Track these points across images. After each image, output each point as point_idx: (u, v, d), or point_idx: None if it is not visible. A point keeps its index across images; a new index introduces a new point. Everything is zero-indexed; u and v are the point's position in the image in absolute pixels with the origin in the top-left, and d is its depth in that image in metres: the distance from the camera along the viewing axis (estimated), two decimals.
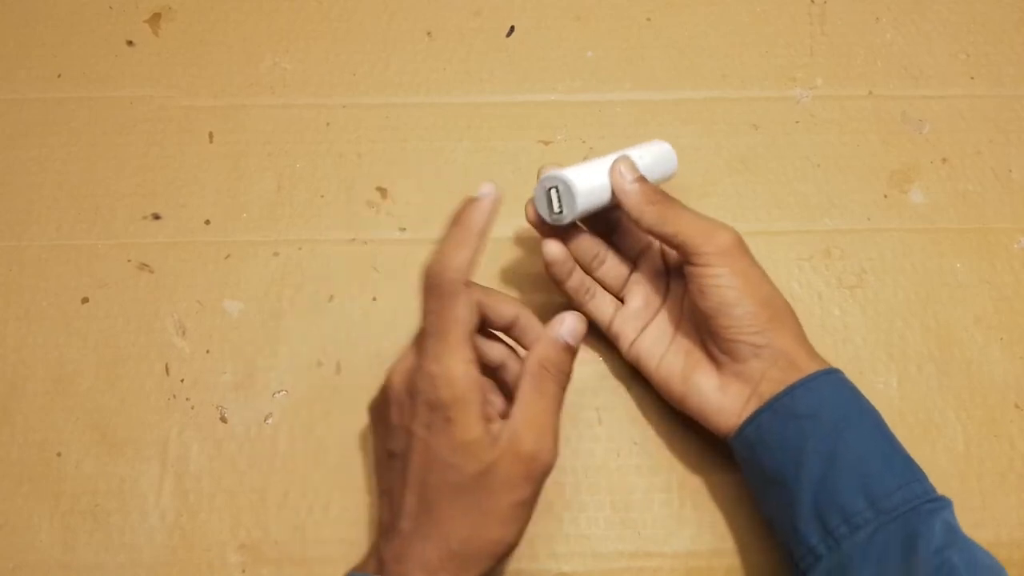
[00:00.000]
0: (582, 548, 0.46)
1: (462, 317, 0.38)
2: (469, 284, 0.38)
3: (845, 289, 0.52)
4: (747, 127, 0.56)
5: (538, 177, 0.45)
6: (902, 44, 0.58)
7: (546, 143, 0.55)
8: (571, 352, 0.40)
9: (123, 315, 0.51)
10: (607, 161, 0.45)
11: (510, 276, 0.52)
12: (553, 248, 0.45)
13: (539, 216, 0.45)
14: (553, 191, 0.44)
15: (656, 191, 0.44)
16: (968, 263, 0.52)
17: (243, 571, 0.46)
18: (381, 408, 0.41)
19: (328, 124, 0.56)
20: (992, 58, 0.58)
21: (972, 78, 0.57)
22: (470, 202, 0.39)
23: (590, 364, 0.50)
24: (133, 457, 0.48)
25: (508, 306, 0.42)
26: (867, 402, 0.42)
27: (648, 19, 0.59)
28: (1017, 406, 0.49)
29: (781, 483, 0.41)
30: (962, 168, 0.55)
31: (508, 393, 0.43)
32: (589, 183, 0.44)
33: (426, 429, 0.38)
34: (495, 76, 0.57)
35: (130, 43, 0.58)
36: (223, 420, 0.49)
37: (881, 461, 0.40)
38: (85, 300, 0.51)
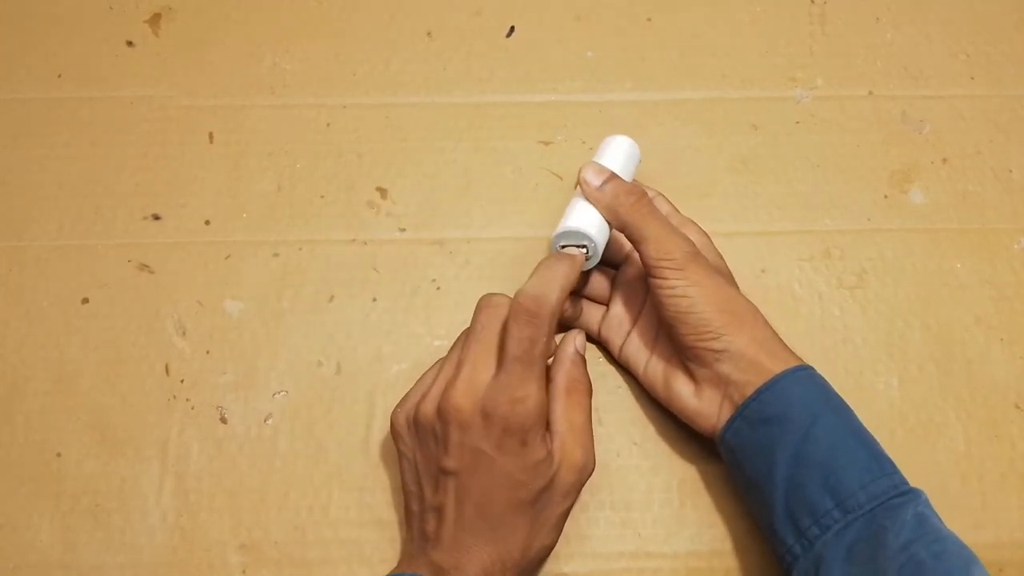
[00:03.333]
0: (582, 548, 0.46)
1: (550, 350, 0.40)
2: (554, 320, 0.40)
3: (845, 289, 0.52)
4: (747, 127, 0.56)
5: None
6: (902, 44, 0.58)
7: (546, 143, 0.55)
8: (584, 362, 0.43)
9: (123, 315, 0.51)
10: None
11: (510, 277, 0.52)
12: (568, 308, 0.48)
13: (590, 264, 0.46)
14: (570, 248, 0.45)
15: (627, 191, 0.44)
16: (968, 263, 0.52)
17: (243, 571, 0.46)
18: (431, 425, 0.41)
19: (328, 124, 0.56)
20: (992, 58, 0.58)
21: (972, 78, 0.57)
22: (564, 256, 0.42)
23: (590, 364, 0.50)
24: (133, 457, 0.48)
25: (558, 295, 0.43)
26: (836, 397, 0.42)
27: (648, 19, 0.59)
28: (1017, 406, 0.49)
29: (758, 486, 0.42)
30: (962, 168, 0.55)
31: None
32: (596, 220, 0.45)
33: (497, 450, 0.39)
34: (495, 76, 0.57)
35: (130, 43, 0.58)
36: (223, 420, 0.49)
37: (847, 458, 0.40)
38: (85, 300, 0.51)
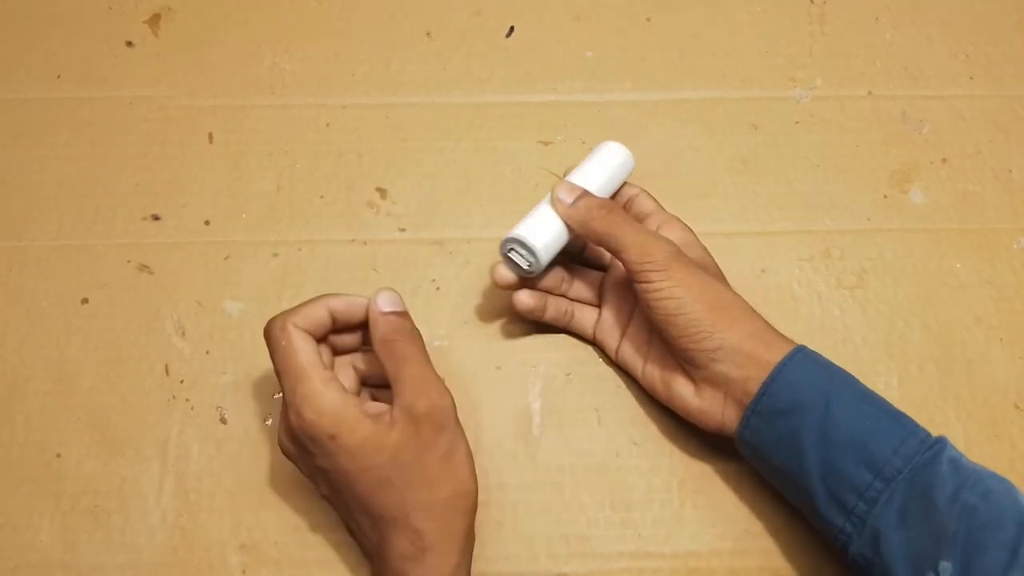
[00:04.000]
0: (582, 548, 0.46)
1: (297, 347, 0.40)
2: (297, 328, 0.41)
3: (845, 289, 0.52)
4: (747, 127, 0.56)
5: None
6: (902, 44, 0.58)
7: (546, 143, 0.55)
8: (402, 315, 0.42)
9: (123, 315, 0.51)
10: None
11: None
12: (525, 299, 0.47)
13: (513, 277, 0.47)
14: (514, 253, 0.46)
15: (599, 206, 0.45)
16: (968, 263, 0.52)
17: (243, 571, 0.46)
18: (303, 473, 0.43)
19: (328, 124, 0.56)
20: (992, 58, 0.58)
21: (972, 78, 0.57)
22: (339, 293, 0.43)
23: (590, 364, 0.50)
24: (133, 457, 0.48)
25: (316, 308, 0.42)
26: (837, 369, 0.43)
27: (648, 19, 0.59)
28: (1017, 406, 0.49)
29: (792, 476, 0.42)
30: (962, 168, 0.55)
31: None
32: (545, 234, 0.45)
33: (325, 458, 0.39)
34: (495, 76, 0.57)
35: (130, 43, 0.58)
36: (223, 420, 0.49)
37: (872, 428, 0.40)
38: (85, 300, 0.51)
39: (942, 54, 0.58)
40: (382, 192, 0.54)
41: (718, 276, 0.47)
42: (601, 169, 0.48)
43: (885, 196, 0.54)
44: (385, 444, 0.39)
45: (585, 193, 0.46)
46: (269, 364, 0.50)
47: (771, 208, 0.54)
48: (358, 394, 0.44)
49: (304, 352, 0.40)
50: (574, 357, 0.50)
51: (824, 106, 0.56)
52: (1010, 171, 0.55)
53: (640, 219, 0.48)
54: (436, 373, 0.41)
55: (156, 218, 0.53)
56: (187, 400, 0.49)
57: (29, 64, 0.57)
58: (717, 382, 0.43)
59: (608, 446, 0.48)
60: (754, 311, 0.44)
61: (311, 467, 0.41)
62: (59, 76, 0.57)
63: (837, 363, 0.50)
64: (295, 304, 0.51)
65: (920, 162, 0.55)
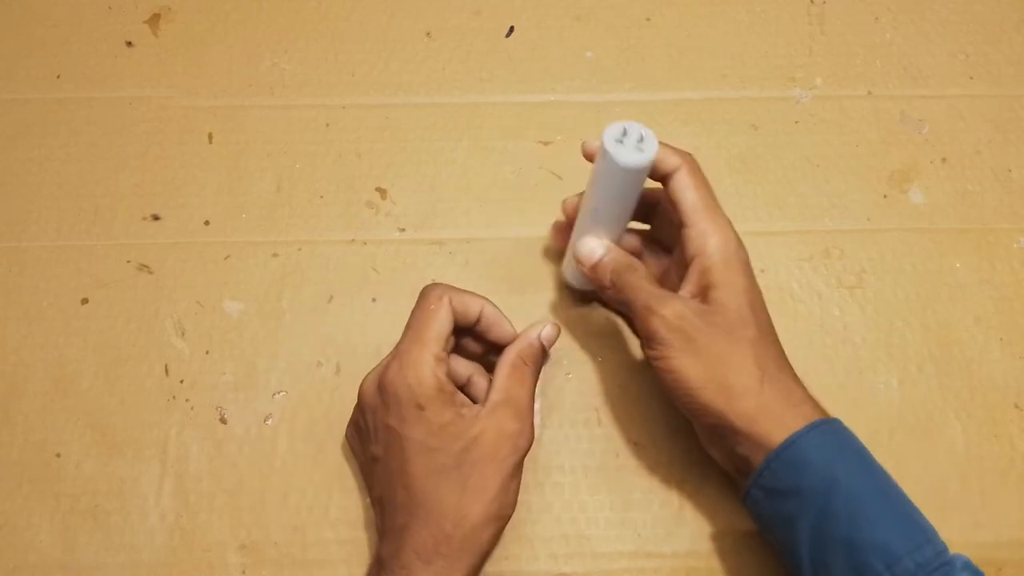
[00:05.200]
0: (582, 548, 0.46)
1: (441, 319, 0.42)
2: (451, 305, 0.42)
3: (845, 289, 0.52)
4: (747, 127, 0.56)
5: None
6: (901, 44, 0.58)
7: (546, 143, 0.55)
8: (544, 353, 0.44)
9: (123, 316, 0.51)
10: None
11: (510, 277, 0.52)
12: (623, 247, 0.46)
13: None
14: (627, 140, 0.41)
15: (613, 270, 0.44)
16: (968, 263, 0.52)
17: (243, 571, 0.46)
18: (356, 423, 0.44)
19: (328, 124, 0.56)
20: (991, 58, 0.58)
21: (971, 78, 0.57)
22: (498, 309, 0.44)
23: (590, 364, 0.50)
24: (133, 457, 0.48)
25: (474, 301, 0.44)
26: (851, 453, 0.39)
27: (648, 19, 0.59)
28: (1017, 406, 0.49)
29: (787, 554, 0.40)
30: (962, 168, 0.55)
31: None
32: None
33: (400, 421, 0.40)
34: (495, 76, 0.57)
35: (129, 43, 0.58)
36: (223, 421, 0.49)
37: (868, 532, 0.37)
38: (85, 300, 0.51)
39: (941, 54, 0.58)
40: (382, 192, 0.54)
41: (746, 316, 0.41)
42: (613, 200, 0.44)
43: (885, 196, 0.54)
44: (465, 434, 0.40)
45: (602, 256, 0.44)
46: (269, 364, 0.50)
47: (771, 208, 0.54)
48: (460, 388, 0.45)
49: (441, 325, 0.42)
50: (574, 357, 0.50)
51: (824, 106, 0.56)
52: (1010, 171, 0.55)
53: (678, 220, 0.43)
54: (533, 412, 0.43)
55: (156, 218, 0.53)
56: (187, 400, 0.49)
57: (29, 64, 0.57)
58: (722, 448, 0.42)
59: (608, 446, 0.48)
60: (777, 371, 0.41)
61: (378, 425, 0.42)
62: (59, 76, 0.57)
63: (837, 363, 0.50)
64: (294, 304, 0.51)
65: (920, 162, 0.55)
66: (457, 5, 0.59)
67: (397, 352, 0.42)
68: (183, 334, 0.51)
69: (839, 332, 0.51)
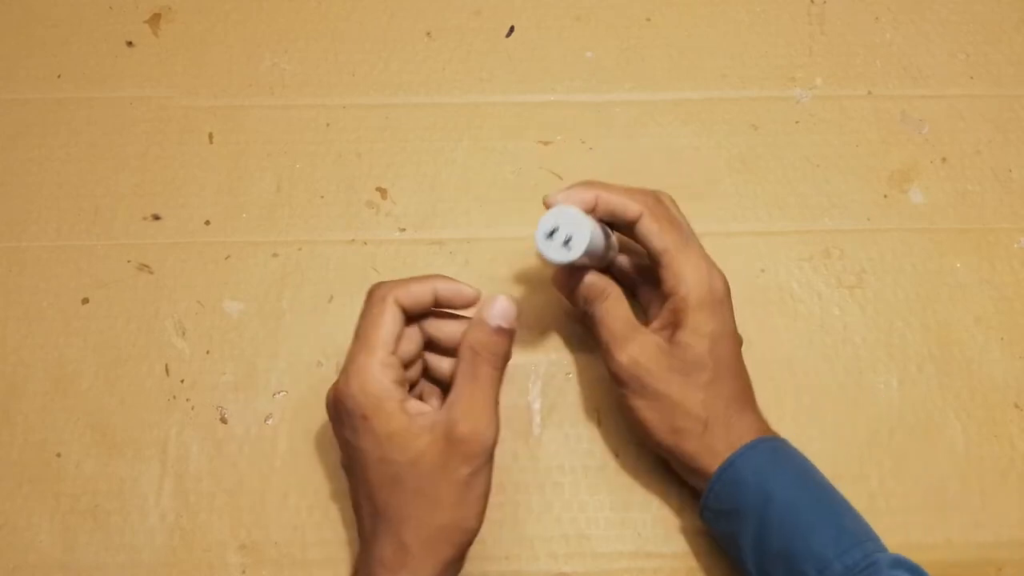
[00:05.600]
0: (582, 548, 0.46)
1: (384, 323, 0.39)
2: (403, 310, 0.40)
3: (845, 289, 0.52)
4: (747, 127, 0.56)
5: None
6: (901, 44, 0.58)
7: (546, 143, 0.55)
8: (505, 334, 0.39)
9: (123, 315, 0.51)
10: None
11: (510, 277, 0.52)
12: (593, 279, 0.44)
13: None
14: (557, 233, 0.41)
15: (582, 297, 0.44)
16: (968, 263, 0.52)
17: (243, 571, 0.46)
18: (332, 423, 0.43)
19: (328, 124, 0.56)
20: (992, 58, 0.58)
21: (971, 78, 0.57)
22: (454, 279, 0.41)
23: (590, 364, 0.50)
24: (133, 457, 0.48)
25: (422, 286, 0.41)
26: (789, 468, 0.42)
27: (648, 19, 0.59)
28: (1017, 406, 0.49)
29: (736, 566, 0.43)
30: (962, 168, 0.55)
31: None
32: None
33: (352, 433, 0.39)
34: (495, 76, 0.57)
35: (130, 43, 0.58)
36: (223, 420, 0.49)
37: (802, 543, 0.39)
38: (85, 300, 0.51)
39: (942, 54, 0.58)
40: (382, 192, 0.54)
41: (703, 360, 0.43)
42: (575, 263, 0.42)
43: (885, 196, 0.54)
44: (410, 446, 0.38)
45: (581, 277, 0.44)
46: (269, 364, 0.50)
47: (771, 208, 0.54)
48: (416, 381, 0.43)
49: (385, 329, 0.39)
50: (574, 357, 0.50)
51: (824, 106, 0.56)
52: (1010, 171, 0.55)
53: (653, 260, 0.44)
54: (497, 405, 0.39)
55: (156, 218, 0.53)
56: (187, 400, 0.49)
57: (29, 64, 0.57)
58: (682, 474, 0.45)
59: (608, 446, 0.48)
60: (724, 410, 0.43)
61: (340, 434, 0.41)
62: (59, 76, 0.57)
63: (837, 363, 0.50)
64: (295, 304, 0.51)
65: (920, 162, 0.55)
66: (457, 5, 0.59)
67: (346, 362, 0.40)
68: (183, 334, 0.51)
69: (839, 332, 0.51)
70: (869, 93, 0.57)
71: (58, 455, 0.48)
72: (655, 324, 0.44)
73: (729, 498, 0.42)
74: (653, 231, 0.43)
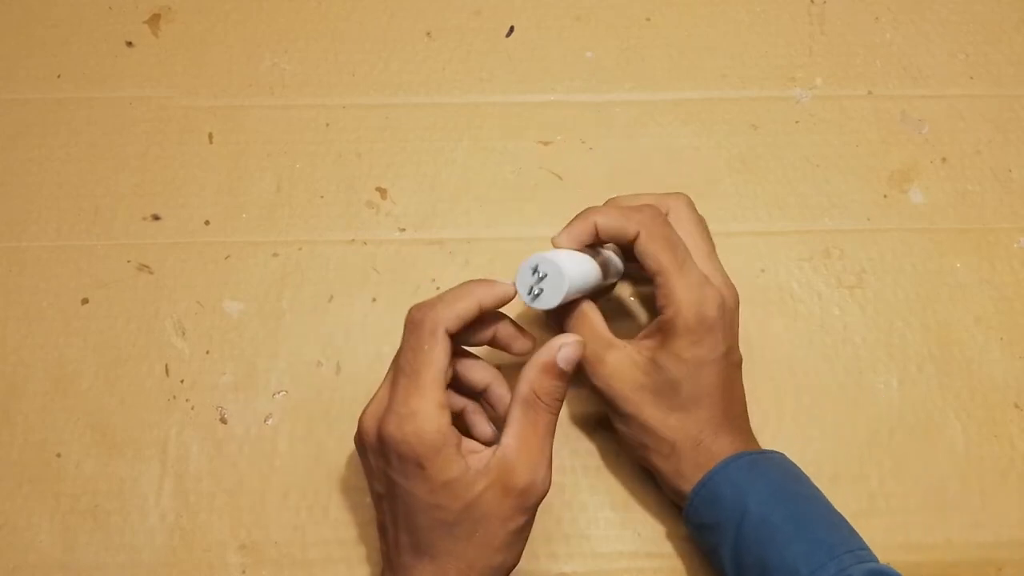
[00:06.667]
0: (582, 548, 0.46)
1: (437, 359, 0.37)
2: (449, 335, 0.38)
3: (845, 289, 0.52)
4: (747, 127, 0.56)
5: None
6: (901, 44, 0.58)
7: (546, 143, 0.55)
8: (565, 378, 0.38)
9: (123, 316, 0.51)
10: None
11: (510, 277, 0.52)
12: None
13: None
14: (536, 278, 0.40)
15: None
16: (968, 263, 0.52)
17: (243, 571, 0.46)
18: (360, 447, 0.41)
19: (328, 124, 0.56)
20: (991, 58, 0.58)
21: (971, 78, 0.57)
22: (486, 280, 0.39)
23: None
24: (133, 457, 0.48)
25: (482, 371, 0.42)
26: (766, 482, 0.42)
27: (648, 19, 0.59)
28: (1017, 406, 0.49)
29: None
30: (962, 168, 0.55)
31: (492, 416, 0.43)
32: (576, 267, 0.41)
33: (402, 477, 0.37)
34: (495, 76, 0.57)
35: (129, 44, 0.58)
36: (223, 421, 0.49)
37: (776, 561, 0.40)
38: (85, 300, 0.51)
39: (941, 54, 0.58)
40: (382, 192, 0.54)
41: (675, 385, 0.42)
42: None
43: (885, 196, 0.54)
44: (467, 494, 0.37)
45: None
46: (269, 364, 0.50)
47: (771, 208, 0.54)
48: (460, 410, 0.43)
49: (437, 366, 0.37)
50: None
51: (824, 106, 0.56)
52: (1010, 171, 0.55)
53: (651, 278, 0.43)
54: (551, 452, 0.38)
55: (156, 218, 0.53)
56: (187, 400, 0.49)
57: (29, 64, 0.57)
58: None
59: (608, 446, 0.48)
60: (697, 434, 0.42)
61: (380, 471, 0.39)
62: (59, 76, 0.57)
63: (837, 363, 0.50)
64: (295, 304, 0.51)
65: (920, 162, 0.55)
66: (457, 5, 0.59)
67: (394, 401, 0.37)
68: (183, 334, 0.51)
69: (839, 332, 0.51)
70: (869, 93, 0.57)
71: (58, 455, 0.48)
72: (642, 334, 0.44)
73: (708, 513, 0.42)
74: (648, 252, 0.42)
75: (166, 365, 0.50)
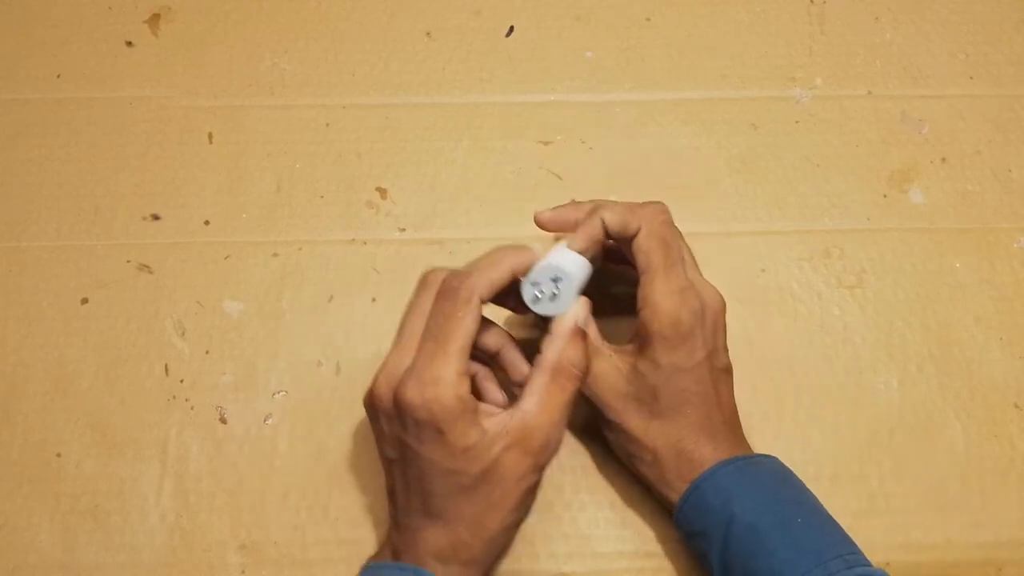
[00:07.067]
0: (582, 548, 0.46)
1: (468, 328, 0.38)
2: (480, 305, 0.38)
3: (845, 289, 0.52)
4: (747, 127, 0.56)
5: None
6: (901, 44, 0.58)
7: (546, 143, 0.55)
8: (584, 339, 0.40)
9: (123, 315, 0.51)
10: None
11: None
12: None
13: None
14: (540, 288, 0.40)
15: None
16: (968, 263, 0.52)
17: (243, 571, 0.46)
18: (372, 411, 0.41)
19: (328, 124, 0.56)
20: (991, 58, 0.58)
21: (971, 78, 0.57)
22: (516, 245, 0.40)
23: None
24: (133, 457, 0.48)
25: (496, 336, 0.42)
26: (754, 487, 0.41)
27: (648, 19, 0.59)
28: (1017, 406, 0.49)
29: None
30: (962, 168, 0.55)
31: (504, 381, 0.43)
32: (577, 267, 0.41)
33: (418, 442, 0.38)
34: (495, 76, 0.57)
35: (129, 43, 0.58)
36: (223, 420, 0.49)
37: (767, 560, 0.39)
38: (85, 300, 0.51)
39: (941, 54, 0.58)
40: (382, 192, 0.54)
41: (656, 391, 0.42)
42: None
43: (885, 196, 0.54)
44: (485, 457, 0.37)
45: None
46: (269, 364, 0.50)
47: (771, 208, 0.54)
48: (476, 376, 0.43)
49: (469, 333, 0.38)
50: None
51: (824, 106, 0.56)
52: (1010, 171, 0.55)
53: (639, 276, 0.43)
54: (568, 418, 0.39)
55: (156, 218, 0.53)
56: (187, 400, 0.49)
57: (29, 64, 0.57)
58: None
59: (608, 446, 0.48)
60: (677, 442, 0.42)
61: (393, 434, 0.39)
62: (59, 76, 0.57)
63: (837, 363, 0.50)
64: (295, 304, 0.51)
65: (920, 162, 0.55)
66: (457, 5, 0.59)
67: (417, 363, 0.37)
68: (183, 334, 0.51)
69: (839, 332, 0.51)
70: (869, 93, 0.57)
71: (58, 455, 0.48)
72: (627, 341, 0.44)
73: (697, 520, 0.42)
74: (643, 248, 0.42)
75: (166, 365, 0.50)
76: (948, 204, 0.54)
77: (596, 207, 0.43)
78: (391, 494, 0.41)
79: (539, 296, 0.40)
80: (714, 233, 0.50)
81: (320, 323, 0.51)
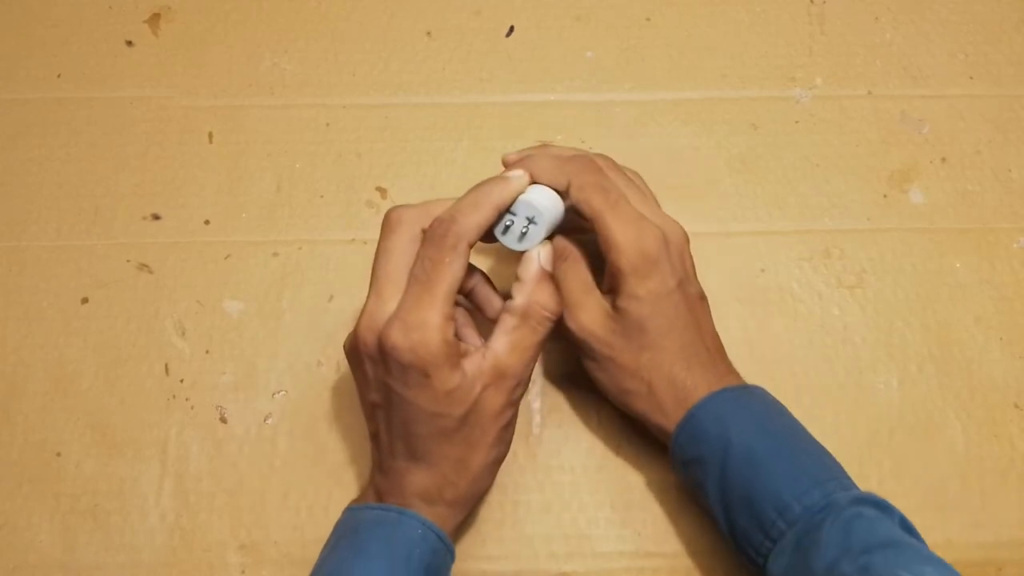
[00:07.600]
0: (582, 548, 0.46)
1: (455, 273, 0.38)
2: (468, 251, 0.39)
3: (845, 289, 0.52)
4: (747, 127, 0.56)
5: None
6: (901, 44, 0.58)
7: (546, 144, 0.55)
8: (551, 283, 0.41)
9: (123, 315, 0.51)
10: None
11: (510, 276, 0.52)
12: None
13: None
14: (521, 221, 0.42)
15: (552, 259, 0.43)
16: (968, 263, 0.52)
17: (243, 571, 0.46)
18: (354, 357, 0.41)
19: (328, 124, 0.56)
20: (991, 58, 0.58)
21: (971, 78, 0.57)
22: (497, 177, 0.41)
23: None
24: (133, 457, 0.48)
25: (469, 274, 0.42)
26: (748, 415, 0.42)
27: (648, 19, 0.59)
28: (1017, 406, 0.49)
29: (708, 516, 0.43)
30: (962, 168, 0.55)
31: (476, 318, 0.44)
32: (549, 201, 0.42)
33: (403, 386, 0.38)
34: (495, 76, 0.57)
35: (129, 43, 0.58)
36: (223, 420, 0.49)
37: (762, 488, 0.40)
38: (85, 300, 0.51)
39: (941, 54, 0.58)
40: (382, 192, 0.54)
41: (642, 323, 0.42)
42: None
43: (885, 196, 0.54)
44: (467, 399, 0.39)
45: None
46: (269, 364, 0.50)
47: (771, 208, 0.54)
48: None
49: (456, 278, 0.38)
50: (574, 357, 0.50)
51: (824, 106, 0.56)
52: (1010, 171, 0.55)
53: (591, 226, 0.43)
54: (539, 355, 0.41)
55: (156, 218, 0.53)
56: (187, 400, 0.49)
57: (29, 64, 0.57)
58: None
59: (608, 446, 0.48)
60: (669, 371, 0.42)
61: (377, 378, 0.40)
62: (59, 76, 0.57)
63: (837, 363, 0.50)
64: (295, 304, 0.51)
65: (920, 162, 0.55)
66: (457, 5, 0.59)
67: (401, 309, 0.38)
68: (183, 334, 0.51)
69: (839, 332, 0.51)
70: (869, 93, 0.57)
71: (58, 455, 0.48)
72: (603, 288, 0.44)
73: (693, 448, 0.42)
74: (581, 200, 0.42)
75: (166, 365, 0.50)
76: (948, 204, 0.54)
77: (527, 159, 0.43)
78: (374, 438, 0.42)
79: (508, 227, 0.41)
80: (714, 233, 0.50)
81: (320, 323, 0.51)
